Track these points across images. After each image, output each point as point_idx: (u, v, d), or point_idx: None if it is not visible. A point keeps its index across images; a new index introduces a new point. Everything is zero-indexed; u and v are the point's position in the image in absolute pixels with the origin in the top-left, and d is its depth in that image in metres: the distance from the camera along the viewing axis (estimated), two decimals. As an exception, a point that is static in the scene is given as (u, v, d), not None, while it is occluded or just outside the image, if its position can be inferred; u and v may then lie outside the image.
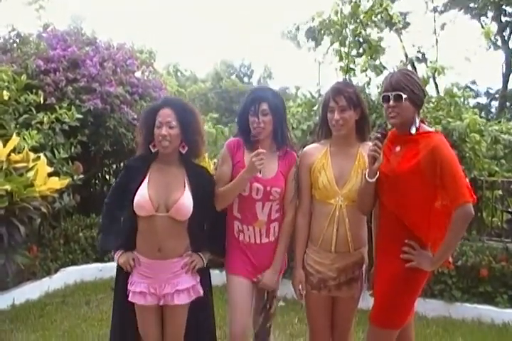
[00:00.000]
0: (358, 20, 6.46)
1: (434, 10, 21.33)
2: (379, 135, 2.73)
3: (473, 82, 21.37)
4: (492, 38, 19.92)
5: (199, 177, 2.95)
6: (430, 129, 2.80)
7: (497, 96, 22.22)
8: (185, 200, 2.82)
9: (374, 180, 2.72)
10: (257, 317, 3.13)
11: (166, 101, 2.96)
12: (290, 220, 3.05)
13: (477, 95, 21.28)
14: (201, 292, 2.94)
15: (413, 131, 2.70)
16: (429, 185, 2.60)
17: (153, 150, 2.91)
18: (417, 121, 2.72)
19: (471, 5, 20.16)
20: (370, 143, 2.90)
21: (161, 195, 2.82)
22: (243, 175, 2.89)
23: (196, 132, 2.92)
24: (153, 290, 2.84)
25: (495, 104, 22.33)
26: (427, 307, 4.89)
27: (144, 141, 2.93)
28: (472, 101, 14.13)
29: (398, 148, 2.76)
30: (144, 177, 2.86)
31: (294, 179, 3.05)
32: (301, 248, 3.02)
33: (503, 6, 19.98)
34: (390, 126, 2.93)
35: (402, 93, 2.66)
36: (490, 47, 20.59)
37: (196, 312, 2.98)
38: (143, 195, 2.79)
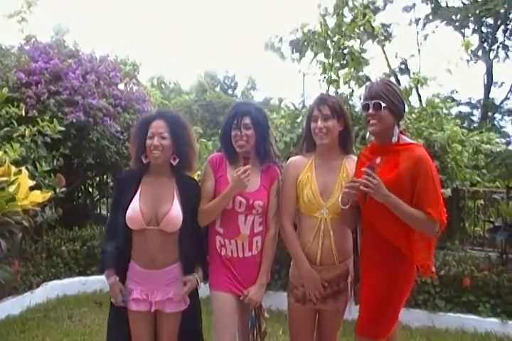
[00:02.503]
0: (342, 32, 6.53)
1: (417, 22, 21.61)
2: (369, 168, 2.66)
3: (455, 91, 21.60)
4: (473, 50, 20.19)
5: (189, 189, 2.99)
6: (411, 141, 2.84)
7: (478, 105, 22.50)
8: (174, 213, 2.85)
9: (347, 207, 2.75)
10: (247, 337, 3.10)
11: (159, 113, 3.03)
12: (273, 234, 3.05)
13: (459, 104, 21.50)
14: (188, 302, 2.98)
15: (394, 140, 2.73)
16: (407, 196, 2.62)
17: (144, 161, 2.94)
18: (397, 131, 2.76)
19: (453, 17, 20.43)
20: (354, 157, 2.95)
21: (151, 208, 2.86)
22: (228, 192, 2.90)
23: (187, 144, 2.97)
24: (145, 296, 2.88)
25: (477, 113, 22.60)
26: (410, 317, 4.89)
27: (137, 152, 2.96)
28: (454, 110, 14.24)
29: (378, 160, 2.77)
30: (136, 191, 2.90)
31: (276, 194, 3.06)
32: (298, 249, 2.94)
33: (484, 18, 20.29)
34: (371, 138, 2.96)
35: (381, 101, 2.69)
36: (471, 59, 20.85)
37: (185, 323, 3.00)
38: (134, 209, 2.84)
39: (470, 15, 19.37)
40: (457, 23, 20.68)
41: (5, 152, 4.85)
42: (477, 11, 18.61)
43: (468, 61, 20.35)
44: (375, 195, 2.60)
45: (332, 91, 6.40)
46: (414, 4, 21.47)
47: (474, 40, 20.44)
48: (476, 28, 21.04)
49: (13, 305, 5.18)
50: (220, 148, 3.18)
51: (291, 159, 3.13)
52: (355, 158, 3.01)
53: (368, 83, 6.21)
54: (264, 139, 3.05)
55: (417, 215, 2.60)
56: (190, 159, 3.01)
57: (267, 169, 3.08)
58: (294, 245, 2.97)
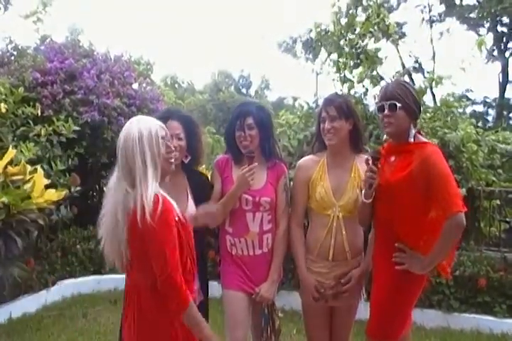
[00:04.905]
0: (355, 31, 6.51)
1: (431, 20, 21.48)
2: (372, 157, 2.72)
3: (469, 90, 21.44)
4: (488, 48, 20.04)
5: (200, 185, 3.03)
6: (425, 140, 2.82)
7: (494, 104, 22.32)
8: (190, 210, 2.89)
9: (370, 200, 2.73)
10: (260, 335, 3.10)
11: (172, 114, 3.07)
12: (284, 230, 3.06)
13: (473, 103, 21.35)
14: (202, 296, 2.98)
15: (411, 140, 2.72)
16: (421, 195, 2.60)
17: None
18: (413, 131, 2.74)
19: (468, 15, 20.30)
20: (364, 156, 2.91)
21: None
22: (234, 191, 2.93)
23: (199, 141, 3.04)
24: None
25: (492, 112, 22.42)
26: (425, 317, 4.86)
27: None
28: (469, 110, 14.15)
29: (393, 158, 2.78)
30: None
31: (284, 190, 3.08)
32: (302, 256, 3.00)
33: (500, 17, 20.13)
34: (386, 137, 2.95)
35: (396, 102, 2.67)
36: (486, 57, 20.70)
37: None
38: None
39: (485, 13, 19.20)
40: (472, 22, 20.54)
41: (21, 151, 4.90)
42: (493, 10, 18.45)
43: (483, 60, 20.20)
44: (417, 271, 2.67)
45: (346, 91, 6.37)
46: (429, 3, 21.36)
47: (490, 38, 20.31)
48: (491, 26, 20.87)
49: (29, 303, 5.22)
50: (226, 150, 3.21)
51: (300, 161, 3.16)
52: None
53: (382, 83, 6.20)
54: (269, 137, 3.08)
55: (447, 240, 2.58)
56: (200, 155, 3.09)
57: (273, 166, 3.11)
58: (298, 250, 3.02)
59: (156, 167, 2.23)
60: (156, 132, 2.24)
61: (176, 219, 2.21)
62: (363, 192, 2.75)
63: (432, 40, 21.26)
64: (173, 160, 2.39)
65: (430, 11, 21.61)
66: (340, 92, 5.72)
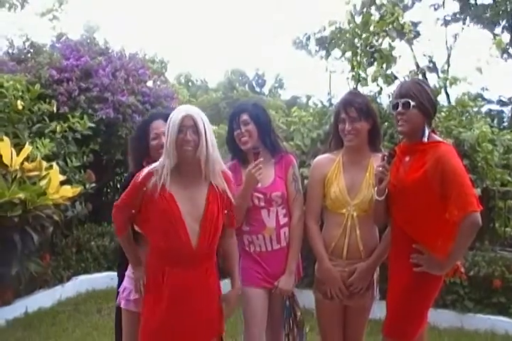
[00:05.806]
0: (370, 30, 6.47)
1: (445, 20, 21.32)
2: (387, 154, 2.73)
3: (485, 89, 21.20)
4: (504, 47, 19.83)
5: None
6: (440, 139, 2.80)
7: (509, 103, 22.09)
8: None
9: (383, 198, 2.73)
10: (282, 327, 3.10)
11: (156, 114, 3.18)
12: (298, 219, 3.06)
13: (489, 102, 21.11)
14: None
15: (425, 140, 2.71)
16: (436, 195, 2.58)
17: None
18: (427, 130, 2.72)
19: (483, 15, 20.11)
20: (380, 155, 2.91)
21: None
22: (244, 189, 2.92)
23: None
24: None
25: (507, 111, 22.18)
26: (438, 317, 4.81)
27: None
28: (484, 108, 13.93)
29: (407, 158, 2.77)
30: None
31: (293, 179, 3.08)
32: (322, 249, 2.97)
33: (515, 15, 19.93)
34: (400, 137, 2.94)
35: (410, 100, 2.66)
36: (502, 57, 20.48)
37: None
38: None
39: (501, 12, 19.03)
40: (487, 21, 20.35)
41: (37, 147, 4.94)
42: (508, 9, 18.28)
43: (498, 59, 20.01)
44: (435, 272, 2.67)
45: (360, 89, 6.34)
46: (444, 2, 21.19)
47: (505, 37, 20.13)
48: (507, 25, 20.68)
49: (45, 298, 5.28)
50: (232, 156, 3.19)
51: (316, 159, 3.15)
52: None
53: (396, 82, 6.16)
54: (268, 132, 3.08)
55: (464, 240, 2.58)
56: None
57: (280, 159, 3.10)
58: (316, 242, 3.00)
59: (168, 148, 2.48)
60: (176, 120, 2.47)
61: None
62: (375, 188, 2.76)
63: (446, 40, 21.12)
64: (189, 148, 2.48)
65: (444, 8, 21.44)
66: (353, 91, 5.69)
